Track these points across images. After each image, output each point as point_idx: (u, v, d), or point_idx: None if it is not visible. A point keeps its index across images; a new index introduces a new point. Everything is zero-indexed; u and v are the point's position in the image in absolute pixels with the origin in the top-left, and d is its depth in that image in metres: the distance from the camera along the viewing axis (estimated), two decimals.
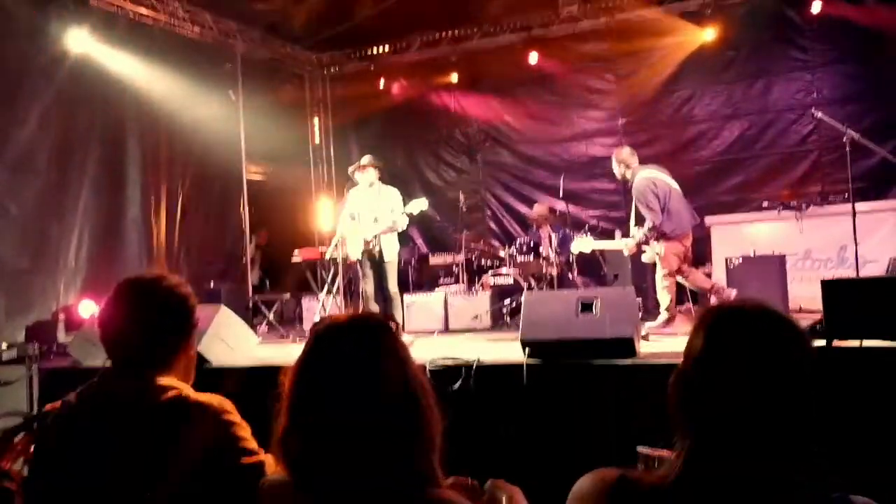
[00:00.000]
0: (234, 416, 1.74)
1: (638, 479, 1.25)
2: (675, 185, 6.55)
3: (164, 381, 1.78)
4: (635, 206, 6.51)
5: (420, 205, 6.88)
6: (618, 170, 6.65)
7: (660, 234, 6.35)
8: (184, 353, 1.89)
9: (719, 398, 1.21)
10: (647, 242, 6.40)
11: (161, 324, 1.83)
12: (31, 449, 1.79)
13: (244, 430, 1.74)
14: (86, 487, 1.63)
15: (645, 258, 6.61)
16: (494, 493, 1.57)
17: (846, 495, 1.19)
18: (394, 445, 1.34)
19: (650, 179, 6.43)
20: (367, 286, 6.93)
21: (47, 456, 1.74)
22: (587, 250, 7.00)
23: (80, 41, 7.83)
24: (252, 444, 1.73)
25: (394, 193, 6.99)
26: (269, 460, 1.67)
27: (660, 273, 6.41)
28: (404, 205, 6.88)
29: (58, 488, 1.67)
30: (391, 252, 6.90)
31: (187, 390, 1.77)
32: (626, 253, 6.80)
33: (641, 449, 1.28)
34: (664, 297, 6.35)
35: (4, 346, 6.36)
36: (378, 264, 6.86)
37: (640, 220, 6.49)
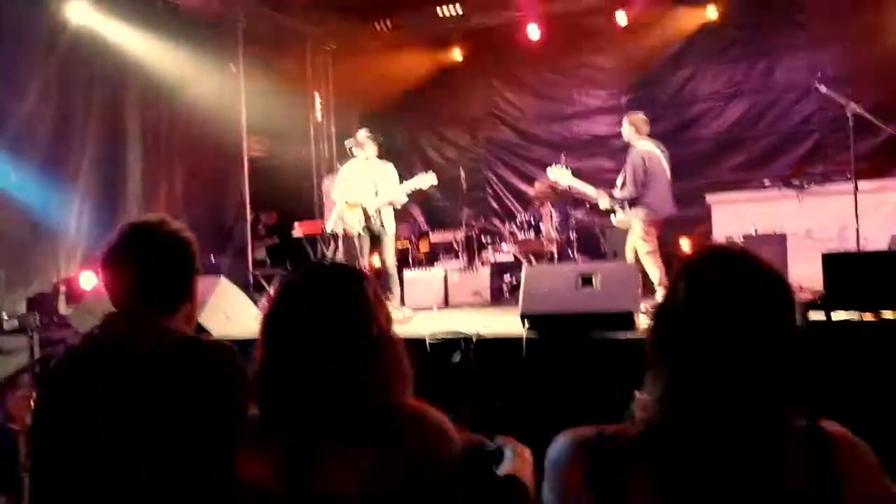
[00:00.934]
0: (240, 359, 1.75)
1: (615, 433, 1.23)
2: (667, 169, 6.67)
3: (169, 323, 1.79)
4: (624, 170, 6.67)
5: (429, 180, 6.91)
6: (626, 130, 6.80)
7: (640, 205, 6.54)
8: (187, 298, 1.89)
9: (699, 338, 1.20)
10: (622, 207, 6.62)
11: (165, 267, 1.82)
12: (36, 393, 1.79)
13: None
14: (92, 430, 1.64)
15: (615, 220, 6.83)
16: (503, 447, 1.57)
17: (817, 423, 1.19)
18: (359, 388, 1.39)
19: (647, 153, 6.56)
20: (365, 260, 6.93)
21: (52, 399, 1.74)
22: (563, 183, 7.13)
23: (79, 12, 7.77)
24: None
25: (390, 169, 7.00)
26: None
27: (643, 249, 6.46)
28: (403, 181, 6.88)
29: (63, 431, 1.67)
30: (391, 226, 6.92)
31: (191, 332, 1.78)
32: (601, 206, 6.88)
33: (640, 394, 1.28)
34: (654, 271, 6.39)
35: (5, 316, 6.39)
36: (378, 238, 6.87)
37: (624, 185, 6.66)
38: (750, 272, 1.24)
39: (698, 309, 1.22)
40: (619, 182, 6.77)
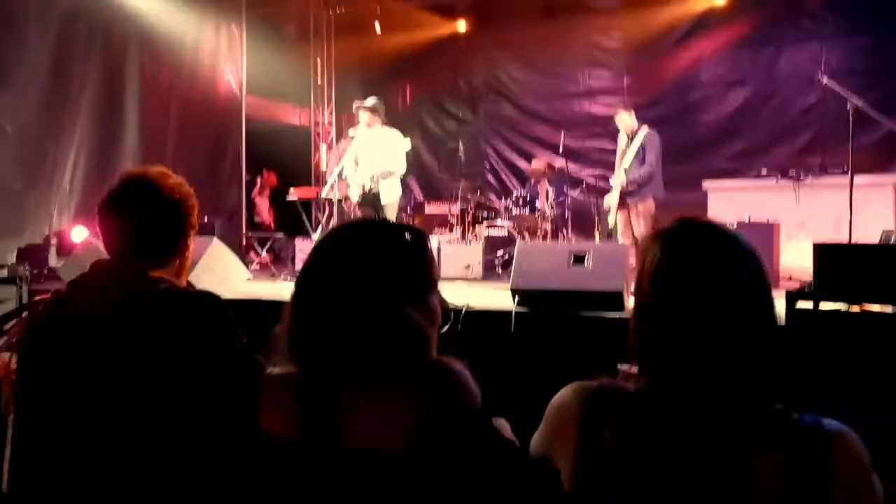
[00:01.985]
0: (228, 310, 1.75)
1: (617, 387, 1.27)
2: None
3: (158, 273, 1.79)
4: (637, 154, 6.90)
5: (405, 144, 6.95)
6: (629, 120, 7.06)
7: (654, 184, 6.88)
8: (180, 253, 1.88)
9: (671, 305, 1.21)
10: (636, 188, 6.88)
11: (156, 218, 1.82)
12: (19, 339, 1.79)
13: (237, 327, 1.75)
14: (78, 377, 1.64)
15: (608, 200, 7.15)
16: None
17: (818, 418, 1.19)
18: (402, 336, 1.35)
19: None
20: None
21: (35, 346, 1.74)
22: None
23: None
24: (244, 340, 1.75)
25: (395, 136, 6.94)
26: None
27: (647, 229, 6.55)
28: (417, 154, 6.87)
29: (49, 377, 1.68)
30: (389, 195, 6.89)
31: (181, 284, 1.78)
32: (619, 180, 7.01)
33: (622, 366, 1.31)
34: None
35: None
36: (375, 207, 6.85)
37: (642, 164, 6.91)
38: (721, 241, 1.25)
39: (670, 274, 1.23)
40: (627, 163, 6.93)
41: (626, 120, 7.11)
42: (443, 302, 1.45)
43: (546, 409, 1.35)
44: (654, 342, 1.24)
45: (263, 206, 9.84)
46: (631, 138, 7.11)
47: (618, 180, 7.03)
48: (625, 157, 7.02)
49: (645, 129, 7.00)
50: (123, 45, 8.43)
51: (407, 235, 1.44)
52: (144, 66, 8.69)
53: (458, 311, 4.51)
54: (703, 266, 1.22)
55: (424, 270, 1.43)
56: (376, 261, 1.37)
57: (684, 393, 1.19)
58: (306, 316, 1.37)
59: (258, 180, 10.50)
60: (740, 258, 1.24)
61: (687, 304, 1.20)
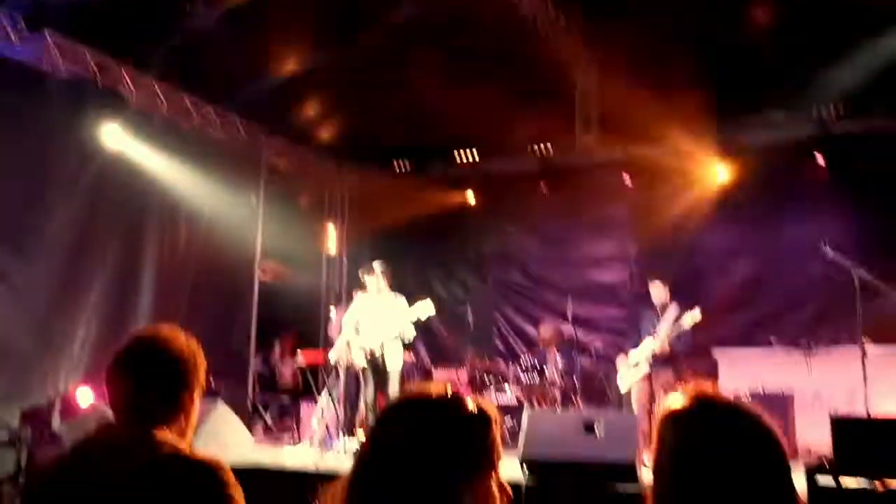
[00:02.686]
0: (231, 477, 1.71)
1: None
2: None
3: (162, 436, 1.76)
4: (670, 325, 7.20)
5: (426, 309, 6.87)
6: (662, 292, 7.48)
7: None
8: (180, 412, 1.86)
9: (689, 489, 1.19)
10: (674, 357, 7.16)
11: (158, 378, 1.81)
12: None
13: (238, 494, 1.70)
14: None
15: (622, 370, 7.34)
16: None
17: None
18: None
19: None
20: (369, 394, 6.85)
21: None
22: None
23: (113, 137, 8.06)
24: None
25: (401, 301, 7.01)
26: None
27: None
28: (426, 320, 6.93)
29: None
30: (395, 361, 6.86)
31: (185, 448, 1.74)
32: (652, 349, 7.20)
33: None
34: None
35: None
36: (382, 373, 6.80)
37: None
38: (738, 420, 1.23)
39: (686, 457, 1.21)
40: (663, 334, 7.21)
41: (660, 292, 7.46)
42: (501, 486, 1.32)
43: None
44: None
45: (287, 370, 9.79)
46: (661, 310, 7.39)
47: (648, 349, 7.17)
48: (661, 328, 7.23)
49: (675, 305, 7.32)
50: (144, 214, 8.68)
51: (471, 408, 1.33)
52: (164, 232, 8.93)
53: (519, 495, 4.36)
54: (727, 449, 1.20)
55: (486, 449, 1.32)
56: (438, 440, 1.28)
57: None
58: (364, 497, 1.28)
59: (276, 345, 10.51)
60: (761, 440, 1.22)
61: (710, 487, 1.18)
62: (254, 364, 9.49)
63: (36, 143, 7.38)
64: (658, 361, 7.10)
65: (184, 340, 1.90)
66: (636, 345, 7.37)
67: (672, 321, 7.14)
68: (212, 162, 9.11)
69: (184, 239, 9.24)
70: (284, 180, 10.54)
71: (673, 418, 1.28)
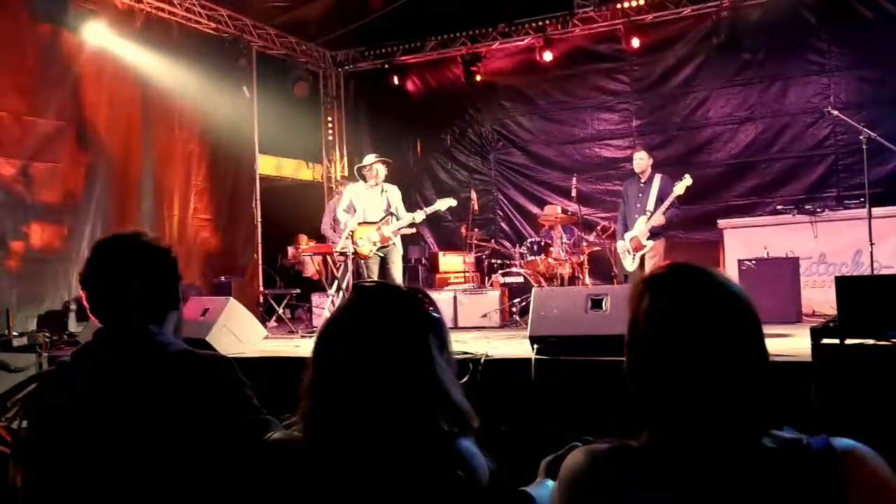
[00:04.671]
0: (239, 374, 1.73)
1: (626, 449, 1.25)
2: None
3: (160, 334, 1.77)
4: (656, 197, 7.10)
5: (449, 202, 7.21)
6: (644, 163, 7.28)
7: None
8: (174, 306, 1.85)
9: (664, 354, 1.20)
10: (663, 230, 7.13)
11: (148, 276, 1.79)
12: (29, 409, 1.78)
13: (248, 389, 1.73)
14: (87, 444, 1.62)
15: (621, 245, 7.35)
16: None
17: (826, 439, 1.18)
18: (406, 410, 1.37)
19: None
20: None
21: (46, 416, 1.72)
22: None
23: (97, 34, 7.87)
24: (255, 402, 1.73)
25: (396, 192, 7.09)
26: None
27: None
28: (412, 203, 6.98)
29: (59, 447, 1.66)
30: (400, 248, 7.01)
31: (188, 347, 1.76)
32: (653, 223, 7.13)
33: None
34: None
35: (16, 333, 6.40)
36: (387, 259, 6.91)
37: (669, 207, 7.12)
38: (710, 284, 1.25)
39: (662, 322, 1.22)
40: (651, 206, 7.13)
41: (643, 160, 7.31)
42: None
43: (560, 470, 1.32)
44: (651, 389, 1.22)
45: (309, 262, 9.84)
46: (644, 182, 7.24)
47: (641, 224, 7.10)
48: (648, 202, 7.15)
49: (658, 175, 7.22)
50: (138, 111, 8.55)
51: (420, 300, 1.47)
52: (158, 131, 8.81)
53: (476, 360, 4.46)
54: (695, 311, 1.21)
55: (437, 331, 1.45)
56: (386, 333, 1.41)
57: (685, 446, 1.18)
58: (318, 387, 1.41)
59: (291, 244, 10.55)
60: (731, 301, 1.23)
61: (682, 348, 1.19)
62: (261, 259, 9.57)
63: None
64: (657, 233, 7.11)
65: (155, 236, 1.87)
66: (625, 222, 7.38)
67: (657, 192, 7.10)
68: (201, 56, 8.90)
69: (179, 136, 9.11)
70: (277, 72, 10.30)
71: (645, 282, 1.29)
